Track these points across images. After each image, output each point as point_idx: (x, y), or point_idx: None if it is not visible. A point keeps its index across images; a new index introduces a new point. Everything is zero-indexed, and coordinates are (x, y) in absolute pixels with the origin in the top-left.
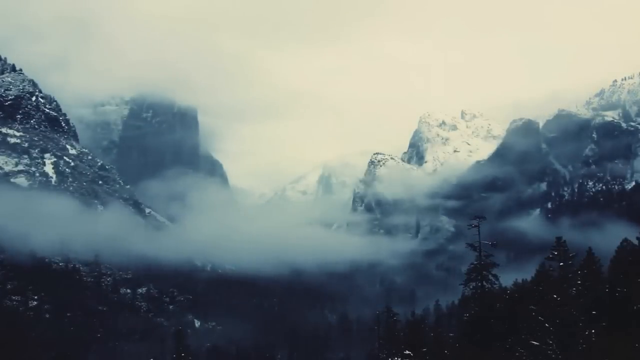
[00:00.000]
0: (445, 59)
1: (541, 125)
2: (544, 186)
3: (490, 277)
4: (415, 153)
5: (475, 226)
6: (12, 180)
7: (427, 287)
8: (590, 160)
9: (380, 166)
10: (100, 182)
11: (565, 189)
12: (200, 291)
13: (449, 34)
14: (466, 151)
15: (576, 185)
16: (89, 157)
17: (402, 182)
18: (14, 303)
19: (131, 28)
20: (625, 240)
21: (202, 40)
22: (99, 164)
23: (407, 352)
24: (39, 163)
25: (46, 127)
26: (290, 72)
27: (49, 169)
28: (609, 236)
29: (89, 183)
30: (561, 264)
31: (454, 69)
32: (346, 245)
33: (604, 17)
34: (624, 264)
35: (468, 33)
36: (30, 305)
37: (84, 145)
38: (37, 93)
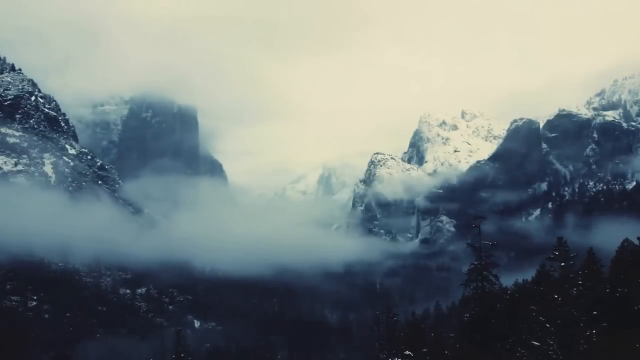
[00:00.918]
0: (445, 61)
1: (542, 125)
2: (544, 186)
3: (491, 277)
4: (416, 153)
5: (476, 226)
6: (11, 180)
7: (427, 287)
8: (591, 160)
9: (381, 166)
10: (99, 182)
11: (566, 188)
12: (200, 291)
13: (448, 38)
14: (466, 151)
15: (577, 185)
16: (89, 157)
17: (402, 182)
18: (14, 303)
19: (131, 29)
20: (626, 240)
21: (202, 43)
22: (99, 164)
23: (407, 352)
24: (38, 163)
25: (45, 127)
26: (290, 76)
27: (48, 169)
28: (610, 236)
29: (88, 183)
30: (562, 264)
31: (453, 70)
32: (346, 245)
33: (605, 16)
34: (625, 264)
35: (467, 34)
36: (30, 305)
37: (84, 145)
38: (36, 93)
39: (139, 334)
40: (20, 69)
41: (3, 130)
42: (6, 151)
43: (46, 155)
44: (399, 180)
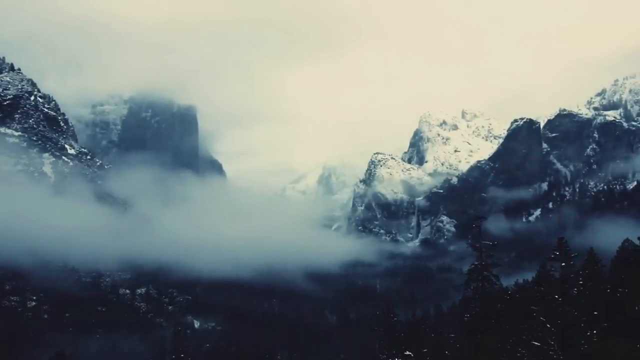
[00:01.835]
0: (446, 61)
1: (542, 124)
2: (545, 186)
3: (491, 277)
4: (416, 153)
5: (476, 226)
6: (10, 180)
7: (428, 288)
8: (592, 160)
9: (381, 166)
10: (99, 182)
11: (567, 188)
12: (200, 292)
13: (448, 39)
14: (467, 151)
15: (577, 185)
16: (88, 157)
17: (403, 182)
18: (13, 303)
19: (131, 30)
20: (627, 240)
21: (201, 46)
22: (98, 163)
23: (408, 352)
24: (37, 163)
25: (45, 127)
26: (290, 77)
27: (47, 168)
28: (611, 236)
29: (87, 183)
30: (562, 264)
31: (454, 70)
32: (346, 245)
33: (605, 16)
34: (626, 264)
35: (468, 34)
36: (29, 305)
37: (83, 145)
38: (35, 92)
39: (139, 334)
40: (19, 69)
41: (2, 130)
42: (5, 151)
43: (45, 155)
44: (399, 180)
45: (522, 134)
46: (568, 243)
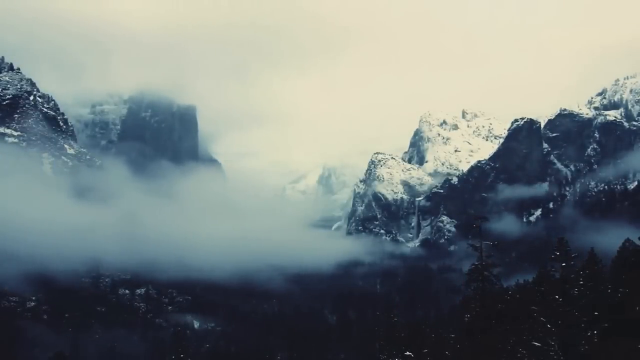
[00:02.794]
0: (446, 60)
1: (543, 124)
2: (545, 186)
3: (492, 277)
4: (416, 153)
5: (477, 226)
6: (9, 180)
7: (428, 288)
8: (593, 160)
9: (381, 166)
10: (98, 182)
11: (567, 189)
12: (199, 292)
13: (449, 39)
14: (467, 151)
15: (578, 185)
16: (87, 157)
17: (403, 182)
18: (12, 304)
19: (130, 33)
20: (628, 240)
21: (201, 47)
22: (98, 163)
23: (408, 353)
24: (36, 163)
25: (44, 127)
26: (289, 78)
27: (47, 168)
28: (611, 236)
29: (86, 183)
30: (563, 264)
31: (454, 70)
32: (346, 245)
33: (606, 16)
34: (626, 264)
35: (468, 34)
36: (28, 306)
37: (82, 145)
38: (35, 92)
39: (138, 335)
40: (18, 68)
41: (1, 129)
42: (4, 151)
43: (45, 155)
44: (400, 180)
45: (523, 133)
46: (568, 243)
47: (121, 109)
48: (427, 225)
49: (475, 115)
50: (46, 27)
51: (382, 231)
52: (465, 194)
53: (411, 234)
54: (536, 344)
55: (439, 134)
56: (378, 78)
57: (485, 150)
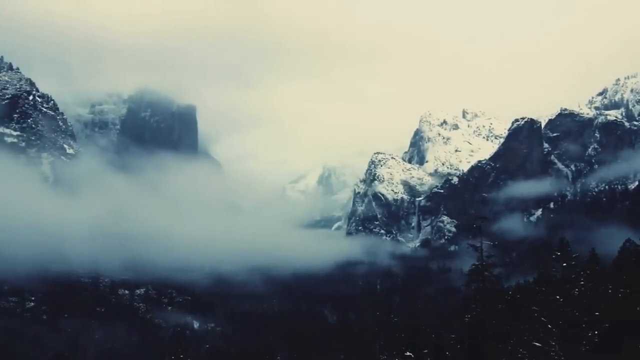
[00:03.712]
0: (446, 60)
1: (543, 124)
2: (546, 186)
3: (492, 278)
4: (416, 153)
5: (477, 226)
6: (9, 179)
7: (428, 288)
8: (593, 160)
9: (381, 166)
10: (97, 182)
11: (568, 189)
12: (199, 292)
13: (449, 39)
14: (467, 151)
15: (579, 185)
16: (87, 157)
17: (403, 182)
18: (11, 304)
19: (130, 35)
20: (628, 240)
21: (200, 50)
22: (97, 163)
23: (408, 353)
24: (36, 162)
25: (43, 127)
26: (290, 78)
27: (46, 168)
28: (612, 236)
29: (86, 183)
30: (564, 264)
31: (454, 70)
32: (346, 245)
33: (607, 15)
34: (627, 264)
35: (469, 33)
36: (28, 306)
37: (82, 145)
38: (34, 92)
39: (138, 335)
40: (18, 68)
41: (1, 129)
42: (4, 150)
43: (44, 154)
44: (400, 180)
45: (523, 133)
46: (569, 243)
47: (121, 109)
48: (427, 226)
49: (476, 115)
50: (46, 28)
51: (382, 231)
52: (465, 194)
53: (411, 234)
54: (537, 344)
55: (439, 134)
56: (378, 78)
57: (486, 150)
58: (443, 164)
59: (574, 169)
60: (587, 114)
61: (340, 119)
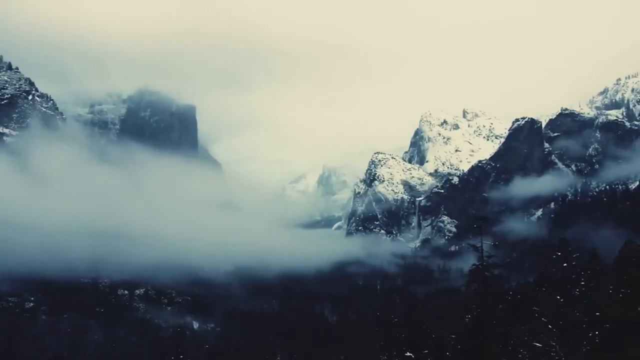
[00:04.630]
0: (446, 60)
1: (544, 124)
2: (546, 186)
3: (493, 278)
4: (417, 152)
5: (477, 226)
6: (8, 179)
7: (429, 288)
8: (594, 160)
9: (381, 166)
10: (97, 182)
11: (569, 189)
12: (199, 292)
13: (449, 40)
14: (468, 150)
15: (579, 185)
16: (86, 157)
17: (403, 182)
18: (10, 304)
19: (132, 32)
20: (629, 240)
21: (199, 52)
22: (96, 163)
23: (408, 353)
24: (35, 162)
25: (43, 126)
26: (289, 80)
27: (45, 168)
28: (613, 237)
29: (86, 183)
30: (564, 264)
31: (455, 70)
32: (346, 245)
33: (608, 14)
34: (628, 265)
35: (469, 34)
36: (27, 306)
37: (81, 145)
38: (33, 91)
39: (138, 335)
40: (17, 68)
41: (0, 129)
42: (3, 150)
43: (44, 154)
44: (400, 180)
45: (524, 133)
46: (570, 243)
47: (120, 109)
48: (427, 226)
49: (476, 115)
50: (46, 28)
51: (382, 231)
52: (466, 194)
53: (412, 234)
54: (537, 344)
55: (439, 134)
56: (378, 82)
57: (486, 150)
58: (443, 164)
59: (574, 168)
60: (588, 113)
61: (341, 121)
